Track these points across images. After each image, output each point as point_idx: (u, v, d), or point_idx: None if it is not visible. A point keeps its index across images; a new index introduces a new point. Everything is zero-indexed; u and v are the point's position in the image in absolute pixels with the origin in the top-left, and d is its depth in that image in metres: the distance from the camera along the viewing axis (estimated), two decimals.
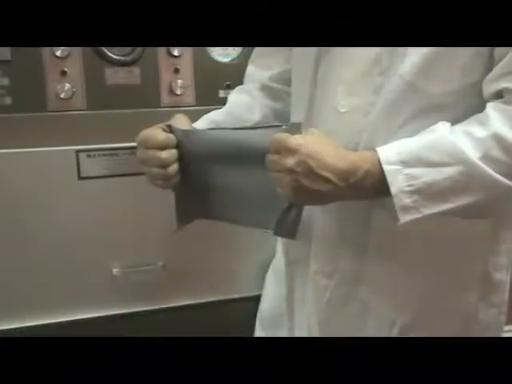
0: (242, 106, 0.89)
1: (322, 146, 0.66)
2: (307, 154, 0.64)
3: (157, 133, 0.73)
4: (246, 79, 0.96)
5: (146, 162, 0.74)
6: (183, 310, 1.08)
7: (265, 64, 0.92)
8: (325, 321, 0.81)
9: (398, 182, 0.63)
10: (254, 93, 0.91)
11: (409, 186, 0.63)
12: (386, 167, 0.64)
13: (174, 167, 0.74)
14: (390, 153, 0.65)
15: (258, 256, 1.08)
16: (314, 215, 0.79)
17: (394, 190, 0.64)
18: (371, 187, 0.65)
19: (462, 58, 0.65)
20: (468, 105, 0.67)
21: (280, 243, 0.96)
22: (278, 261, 0.98)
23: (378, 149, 0.65)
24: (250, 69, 0.95)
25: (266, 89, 0.91)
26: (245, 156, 0.73)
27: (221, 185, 0.79)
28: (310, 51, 0.75)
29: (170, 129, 0.75)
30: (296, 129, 0.69)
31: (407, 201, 0.64)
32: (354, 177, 0.64)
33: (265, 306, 1.01)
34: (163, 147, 0.73)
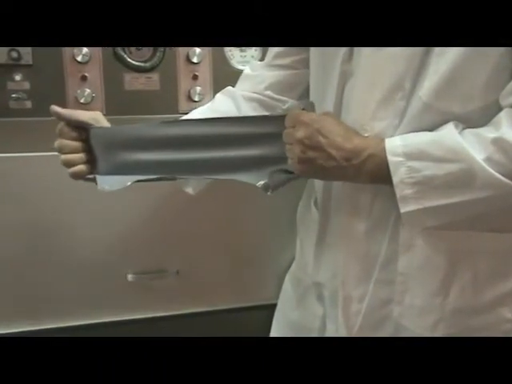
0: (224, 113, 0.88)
1: (333, 124, 0.70)
2: (318, 129, 0.68)
3: (71, 129, 0.80)
4: (241, 79, 0.94)
5: (61, 149, 0.80)
6: (197, 316, 1.08)
7: (262, 73, 0.92)
8: None
9: (400, 173, 0.66)
10: (240, 102, 0.90)
11: (410, 177, 0.66)
12: (390, 158, 0.66)
13: (82, 155, 0.81)
14: (396, 144, 0.67)
15: (274, 265, 1.08)
16: (340, 237, 0.79)
17: (395, 180, 0.66)
18: (370, 171, 0.68)
19: (482, 77, 0.65)
20: (491, 119, 0.66)
21: (302, 260, 0.96)
22: (298, 273, 0.97)
23: (386, 139, 0.68)
24: (247, 72, 0.94)
25: (255, 100, 0.90)
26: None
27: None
28: (335, 75, 0.76)
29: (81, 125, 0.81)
30: (310, 107, 0.76)
31: (408, 192, 0.66)
32: (356, 158, 0.68)
33: (283, 317, 1.00)
34: (75, 139, 0.80)
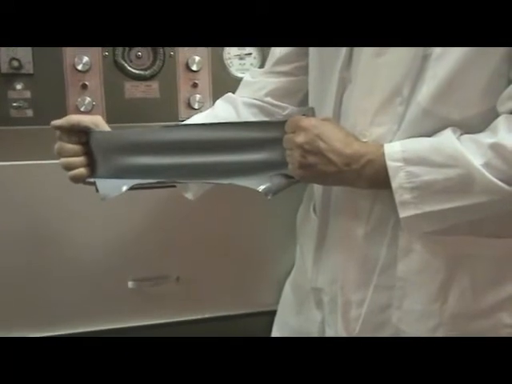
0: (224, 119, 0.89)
1: (333, 130, 0.70)
2: (317, 134, 0.69)
3: (71, 132, 0.80)
4: (241, 86, 0.95)
5: (60, 152, 0.80)
6: (197, 323, 1.08)
7: (262, 80, 0.92)
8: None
9: (399, 178, 0.66)
10: (240, 108, 0.90)
11: (409, 182, 0.66)
12: (389, 163, 0.67)
13: (82, 159, 0.81)
14: (395, 150, 0.67)
15: (274, 271, 1.08)
16: (340, 241, 0.80)
17: (394, 185, 0.67)
18: (370, 177, 0.69)
19: (480, 83, 0.65)
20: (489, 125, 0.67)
21: (302, 266, 0.96)
22: (298, 279, 0.97)
23: (385, 145, 0.68)
24: (247, 79, 0.95)
25: (255, 106, 0.91)
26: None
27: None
28: (333, 81, 0.77)
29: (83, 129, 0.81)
30: (311, 112, 0.78)
31: (407, 196, 0.66)
32: (356, 163, 0.68)
33: (284, 323, 1.00)
34: (75, 143, 0.80)
